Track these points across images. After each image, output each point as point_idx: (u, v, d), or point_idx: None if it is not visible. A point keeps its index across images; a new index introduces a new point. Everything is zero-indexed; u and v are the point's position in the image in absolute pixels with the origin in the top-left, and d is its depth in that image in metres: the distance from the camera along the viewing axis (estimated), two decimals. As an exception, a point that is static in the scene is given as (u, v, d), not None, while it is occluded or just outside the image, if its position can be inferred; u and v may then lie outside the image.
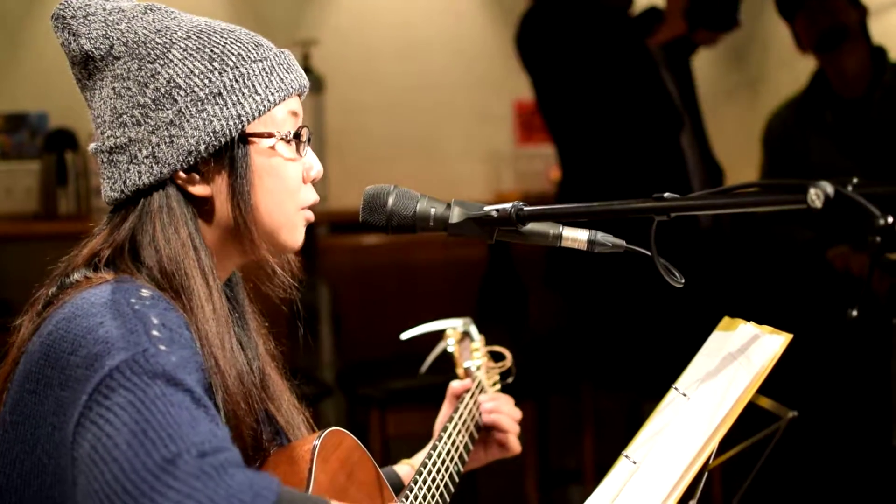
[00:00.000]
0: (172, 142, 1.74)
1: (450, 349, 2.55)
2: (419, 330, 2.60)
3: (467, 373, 2.46)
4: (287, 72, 1.84)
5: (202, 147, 1.75)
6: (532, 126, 5.86)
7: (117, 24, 1.79)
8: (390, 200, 1.86)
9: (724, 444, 1.75)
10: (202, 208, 1.80)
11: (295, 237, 1.88)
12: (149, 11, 1.82)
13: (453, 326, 2.59)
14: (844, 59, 4.59)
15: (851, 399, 4.41)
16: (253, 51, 1.81)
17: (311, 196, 1.90)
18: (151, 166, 1.75)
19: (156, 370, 1.52)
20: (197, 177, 1.78)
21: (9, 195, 5.89)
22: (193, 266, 1.75)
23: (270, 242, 1.85)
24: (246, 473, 1.46)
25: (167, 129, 1.74)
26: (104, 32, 1.78)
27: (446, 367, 2.55)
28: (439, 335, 2.60)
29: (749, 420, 1.78)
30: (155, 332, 1.58)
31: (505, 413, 2.34)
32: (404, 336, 2.59)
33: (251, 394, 1.79)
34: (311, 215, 1.90)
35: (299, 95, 1.89)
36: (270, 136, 1.81)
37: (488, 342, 2.57)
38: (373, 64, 6.32)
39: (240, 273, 1.98)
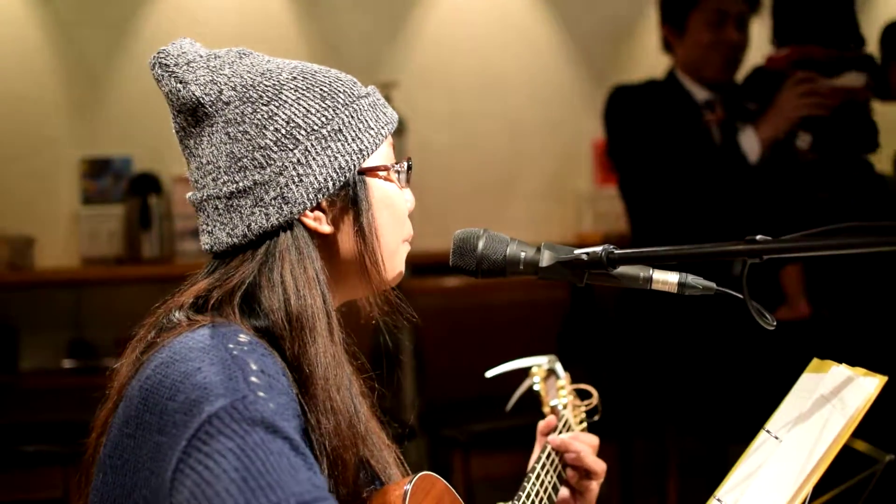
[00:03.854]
0: (301, 180, 1.75)
1: (535, 388, 2.54)
2: (504, 368, 2.59)
3: (553, 411, 2.44)
4: (385, 107, 1.88)
5: (330, 184, 1.76)
6: (610, 166, 5.85)
7: (220, 69, 1.80)
8: (480, 244, 1.87)
9: (819, 489, 1.73)
10: (325, 246, 1.81)
11: (402, 269, 1.91)
12: (244, 56, 1.84)
13: (538, 364, 2.58)
14: None
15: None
16: (355, 87, 1.84)
17: (410, 228, 1.93)
18: (281, 207, 1.75)
19: (255, 417, 1.53)
20: (322, 215, 1.79)
21: (93, 239, 5.95)
22: (320, 307, 1.75)
23: (388, 276, 1.88)
24: None
25: (295, 168, 1.75)
26: (211, 78, 1.79)
27: (530, 407, 2.54)
28: (523, 374, 2.59)
29: (844, 464, 1.76)
30: (254, 379, 1.58)
31: (583, 454, 2.28)
32: (489, 374, 2.58)
33: (362, 439, 1.79)
34: (408, 248, 1.94)
35: None
36: (386, 168, 1.84)
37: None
38: (452, 104, 6.34)
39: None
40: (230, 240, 1.78)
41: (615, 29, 6.50)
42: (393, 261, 1.88)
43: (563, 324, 5.49)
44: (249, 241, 1.77)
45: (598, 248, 1.79)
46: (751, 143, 4.38)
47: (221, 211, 1.78)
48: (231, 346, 1.64)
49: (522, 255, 1.85)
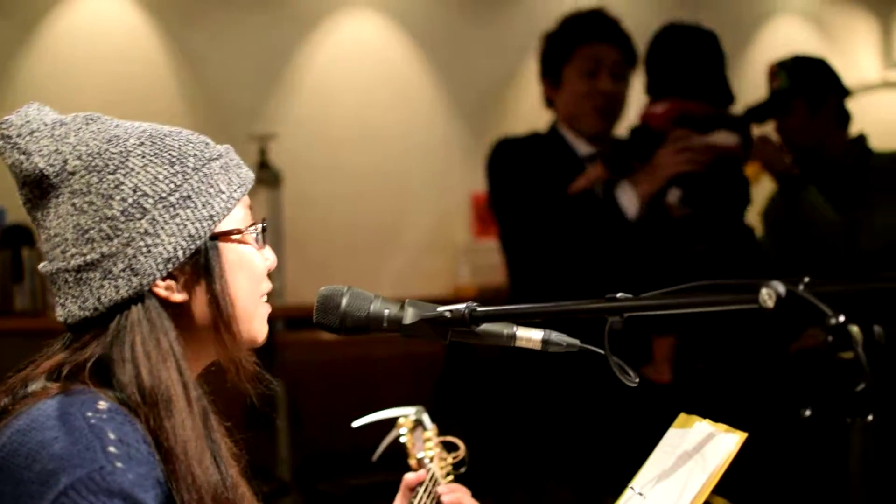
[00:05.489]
0: (150, 251, 1.70)
1: (402, 439, 2.52)
2: (371, 418, 2.57)
3: (420, 464, 2.42)
4: (239, 167, 1.83)
5: (180, 253, 1.71)
6: (488, 219, 5.87)
7: (65, 137, 1.74)
8: (343, 302, 1.86)
9: (681, 545, 1.74)
10: (179, 314, 1.76)
11: (262, 329, 1.87)
12: (91, 121, 1.78)
13: (405, 414, 2.57)
14: None
15: (808, 499, 4.40)
16: (206, 150, 1.79)
17: (268, 285, 1.89)
18: (130, 279, 1.70)
19: (112, 488, 1.51)
20: (174, 284, 1.74)
21: (-35, 291, 5.84)
22: (175, 380, 1.70)
23: (247, 337, 1.83)
24: None
25: (142, 238, 1.69)
26: (55, 148, 1.73)
27: (406, 460, 2.53)
28: (395, 425, 2.58)
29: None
30: (111, 449, 1.55)
31: None
32: (356, 424, 2.57)
33: None
34: (268, 306, 1.90)
35: None
36: (238, 231, 1.80)
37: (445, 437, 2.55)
38: (330, 157, 6.34)
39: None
40: (82, 313, 1.72)
41: (493, 83, 6.56)
42: (252, 324, 1.84)
43: (440, 376, 5.49)
44: (101, 314, 1.71)
45: (462, 306, 1.79)
46: (629, 198, 4.41)
47: (71, 284, 1.73)
48: (89, 414, 1.60)
49: (386, 312, 1.85)
